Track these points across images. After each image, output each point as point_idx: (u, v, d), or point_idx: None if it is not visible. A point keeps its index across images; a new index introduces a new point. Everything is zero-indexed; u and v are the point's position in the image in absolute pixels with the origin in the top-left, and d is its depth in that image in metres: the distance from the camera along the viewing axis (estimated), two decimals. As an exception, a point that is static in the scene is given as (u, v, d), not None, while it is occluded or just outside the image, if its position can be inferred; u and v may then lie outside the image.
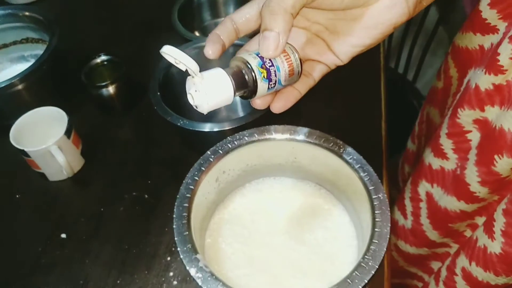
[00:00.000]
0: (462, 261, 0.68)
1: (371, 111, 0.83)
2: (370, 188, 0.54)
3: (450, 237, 0.74)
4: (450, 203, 0.68)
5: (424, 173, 0.76)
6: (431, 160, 0.74)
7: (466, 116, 0.64)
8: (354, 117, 0.82)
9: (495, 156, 0.57)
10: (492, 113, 0.61)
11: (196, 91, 0.42)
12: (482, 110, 0.62)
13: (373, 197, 0.53)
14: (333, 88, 0.87)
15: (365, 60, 0.92)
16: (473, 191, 0.63)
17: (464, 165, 0.65)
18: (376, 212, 0.52)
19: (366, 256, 0.48)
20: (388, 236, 0.50)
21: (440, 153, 0.71)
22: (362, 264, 0.48)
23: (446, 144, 0.69)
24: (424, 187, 0.76)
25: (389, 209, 0.52)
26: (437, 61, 1.83)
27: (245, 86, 0.45)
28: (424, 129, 0.93)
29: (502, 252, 0.59)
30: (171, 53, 0.40)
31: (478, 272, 0.64)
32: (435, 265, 0.81)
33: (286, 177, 0.69)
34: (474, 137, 0.65)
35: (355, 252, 0.60)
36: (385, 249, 0.49)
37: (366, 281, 0.46)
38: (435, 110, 0.85)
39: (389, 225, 0.50)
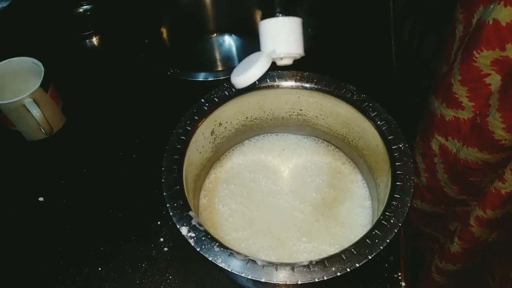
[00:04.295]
0: (476, 211, 0.64)
1: (380, 67, 0.76)
2: (389, 137, 0.47)
3: (469, 194, 0.69)
4: (471, 154, 0.63)
5: (436, 126, 0.71)
6: (444, 111, 0.68)
7: (484, 58, 0.58)
8: (363, 71, 0.75)
9: None
10: None
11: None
12: (503, 49, 0.56)
13: (393, 147, 0.46)
14: (341, 43, 0.80)
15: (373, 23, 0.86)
16: (498, 139, 0.58)
17: (485, 112, 0.60)
18: (397, 164, 0.45)
19: (387, 213, 0.41)
20: (412, 190, 0.43)
21: (454, 103, 0.65)
22: (383, 221, 0.41)
23: (460, 92, 0.64)
24: (437, 141, 0.71)
25: (411, 160, 0.45)
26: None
27: None
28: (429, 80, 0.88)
29: None
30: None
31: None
32: (453, 226, 0.76)
33: (290, 133, 0.62)
34: (494, 80, 0.59)
35: (368, 213, 0.53)
36: (408, 205, 0.42)
37: (388, 241, 0.39)
38: (440, 58, 0.79)
39: (413, 178, 0.44)
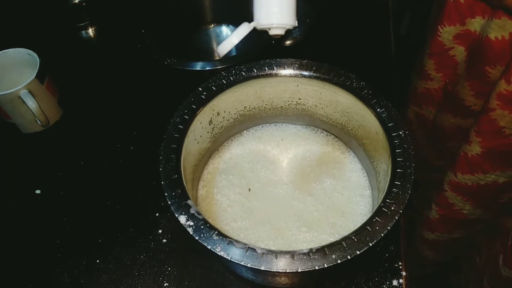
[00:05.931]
0: (448, 176, 0.68)
1: (379, 55, 0.75)
2: (389, 125, 0.46)
3: (446, 159, 0.74)
4: (446, 120, 0.69)
5: (410, 98, 0.77)
6: (416, 83, 0.74)
7: (447, 33, 0.62)
8: (362, 60, 0.74)
9: (487, 68, 0.57)
10: (474, 24, 0.59)
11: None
12: (463, 24, 0.60)
13: (393, 134, 0.46)
14: (340, 33, 0.80)
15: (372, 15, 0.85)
16: (469, 105, 0.63)
17: (455, 81, 0.65)
18: (397, 151, 0.44)
19: (387, 200, 0.41)
20: (413, 177, 0.42)
21: (424, 75, 0.71)
22: (383, 209, 0.40)
23: (428, 64, 0.69)
24: (412, 110, 0.78)
25: (412, 147, 0.44)
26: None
27: None
28: None
29: (484, 150, 0.60)
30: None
31: (467, 179, 0.65)
32: (430, 195, 0.80)
33: (289, 123, 0.61)
34: (458, 51, 0.63)
35: (368, 202, 0.53)
36: (409, 192, 0.41)
37: (389, 228, 0.39)
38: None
39: (413, 164, 0.43)
